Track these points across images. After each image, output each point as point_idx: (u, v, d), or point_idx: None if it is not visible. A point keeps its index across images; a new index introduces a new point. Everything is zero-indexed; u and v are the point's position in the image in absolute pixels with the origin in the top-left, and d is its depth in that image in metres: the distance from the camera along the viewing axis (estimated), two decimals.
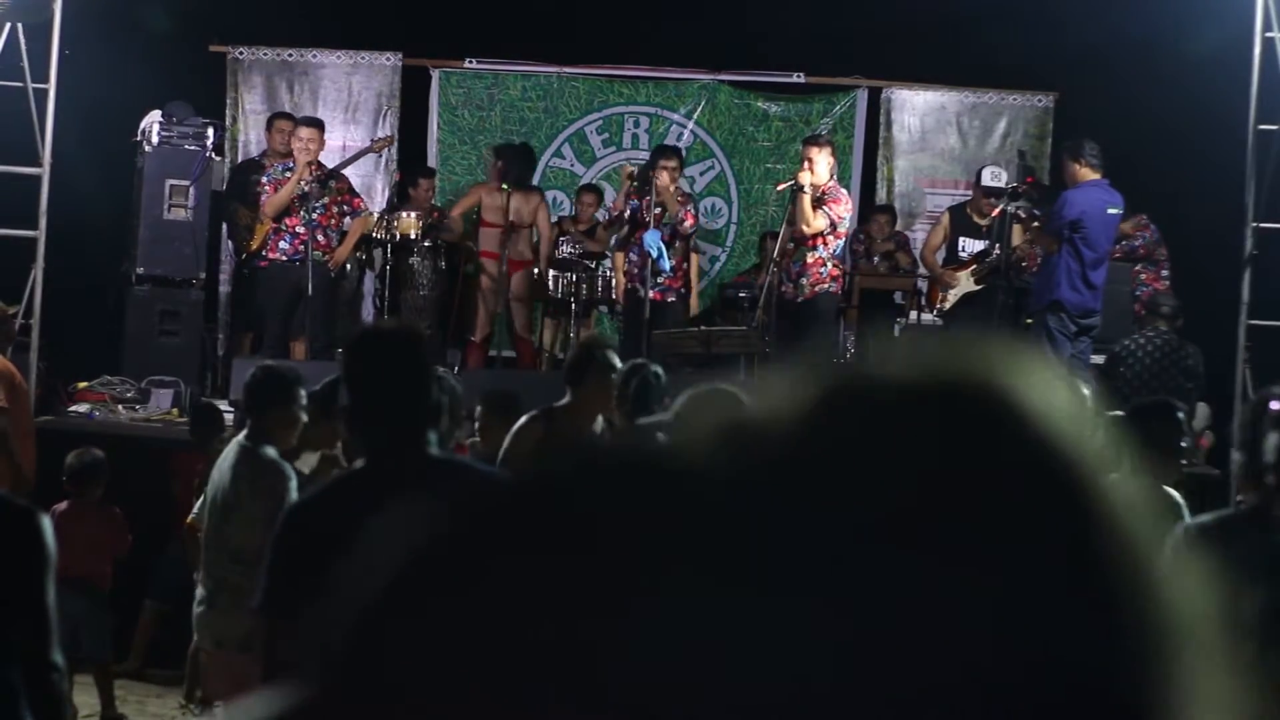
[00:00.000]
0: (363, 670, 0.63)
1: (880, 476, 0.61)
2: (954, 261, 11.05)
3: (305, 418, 5.37)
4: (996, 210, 10.77)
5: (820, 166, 10.21)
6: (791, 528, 0.60)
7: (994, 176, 11.09)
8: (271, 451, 5.28)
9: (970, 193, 11.59)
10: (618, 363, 5.96)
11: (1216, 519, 4.04)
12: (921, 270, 11.73)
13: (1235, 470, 3.97)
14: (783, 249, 10.22)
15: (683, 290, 10.77)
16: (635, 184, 10.58)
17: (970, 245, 10.99)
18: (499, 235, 11.09)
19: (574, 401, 5.92)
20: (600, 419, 5.91)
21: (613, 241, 11.16)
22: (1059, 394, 0.66)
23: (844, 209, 10.47)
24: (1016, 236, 10.72)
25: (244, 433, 5.45)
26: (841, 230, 10.49)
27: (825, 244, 10.38)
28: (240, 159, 12.39)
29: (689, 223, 10.60)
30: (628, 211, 10.67)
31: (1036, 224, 10.31)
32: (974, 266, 10.81)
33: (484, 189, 11.45)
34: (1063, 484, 0.63)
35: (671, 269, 10.52)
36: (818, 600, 0.59)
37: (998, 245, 10.59)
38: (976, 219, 11.03)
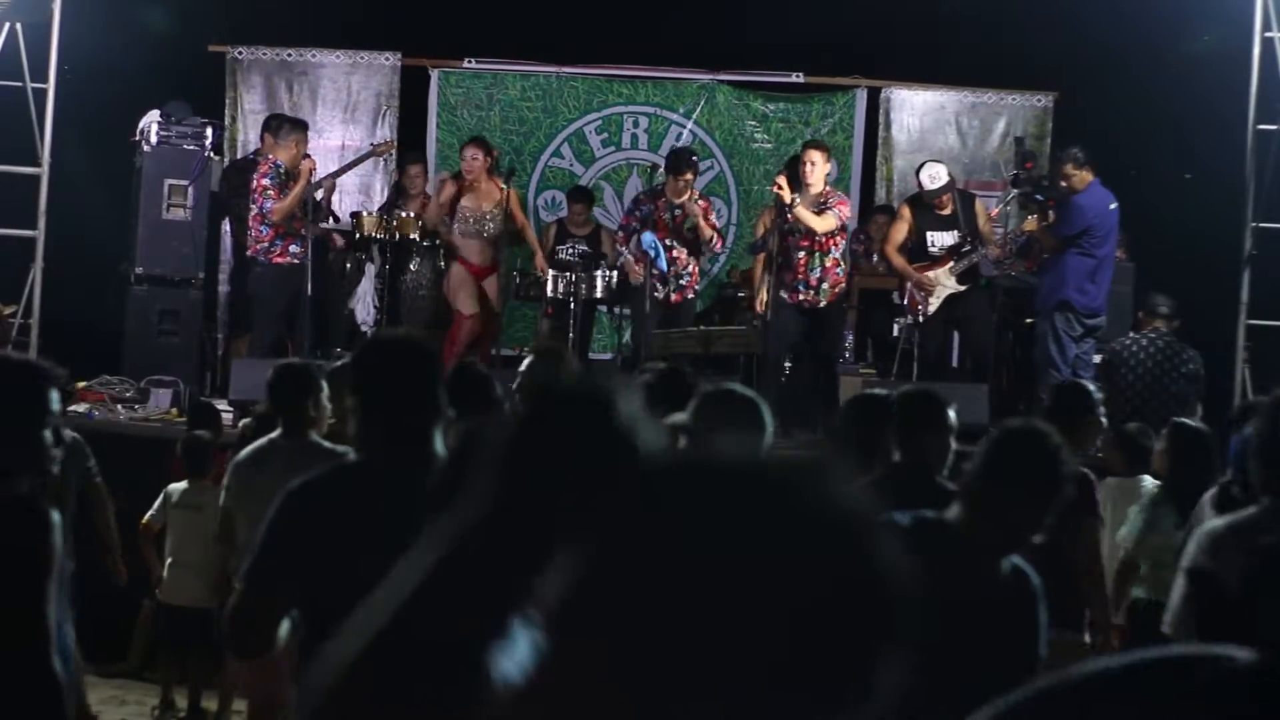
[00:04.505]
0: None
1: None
2: (924, 258, 10.38)
3: (329, 408, 5.41)
4: (948, 205, 10.40)
5: (820, 170, 10.03)
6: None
7: (931, 179, 10.36)
8: (314, 435, 5.35)
9: (979, 192, 11.45)
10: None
11: (1247, 520, 3.94)
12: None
13: (1258, 474, 3.92)
14: (778, 251, 10.09)
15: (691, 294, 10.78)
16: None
17: (940, 239, 10.39)
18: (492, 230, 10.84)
19: None
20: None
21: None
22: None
23: (848, 210, 10.55)
24: (981, 218, 10.45)
25: (277, 432, 5.50)
26: (845, 232, 10.42)
27: (836, 245, 10.21)
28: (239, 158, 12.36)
29: (717, 246, 11.03)
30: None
31: (1046, 210, 10.03)
32: (951, 264, 10.29)
33: (455, 184, 11.02)
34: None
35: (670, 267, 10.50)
36: None
37: (969, 237, 10.24)
38: (936, 210, 10.43)
